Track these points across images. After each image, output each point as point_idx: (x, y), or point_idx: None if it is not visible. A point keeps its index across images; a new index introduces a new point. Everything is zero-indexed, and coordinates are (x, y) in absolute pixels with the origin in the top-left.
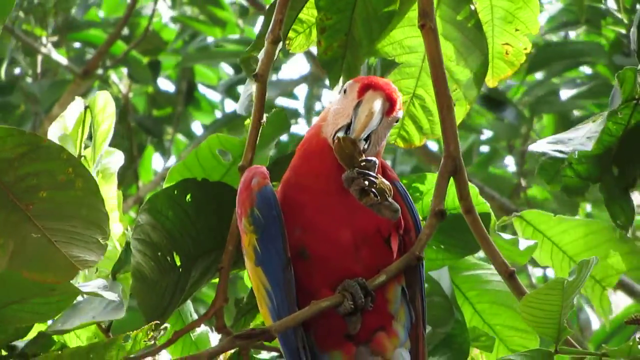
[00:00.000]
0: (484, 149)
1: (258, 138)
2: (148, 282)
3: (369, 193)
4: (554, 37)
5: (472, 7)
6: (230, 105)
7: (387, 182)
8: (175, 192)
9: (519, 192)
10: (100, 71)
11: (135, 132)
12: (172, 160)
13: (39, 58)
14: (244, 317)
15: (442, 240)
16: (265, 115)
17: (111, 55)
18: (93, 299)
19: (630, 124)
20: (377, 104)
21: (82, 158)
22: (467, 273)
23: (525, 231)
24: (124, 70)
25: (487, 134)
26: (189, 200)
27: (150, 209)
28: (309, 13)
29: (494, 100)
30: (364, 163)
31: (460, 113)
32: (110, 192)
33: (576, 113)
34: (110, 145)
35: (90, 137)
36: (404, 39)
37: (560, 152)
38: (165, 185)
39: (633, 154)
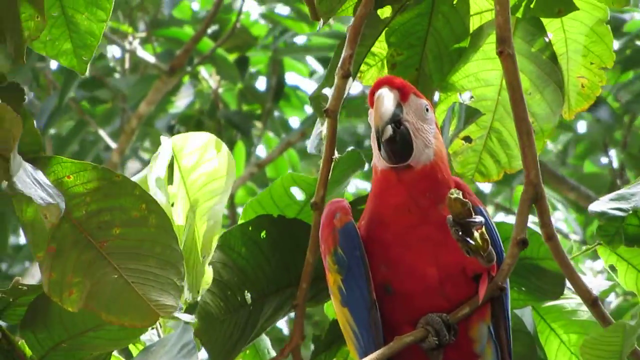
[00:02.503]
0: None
1: (330, 175)
2: (213, 322)
3: (465, 248)
4: None
5: (547, 39)
6: None
7: (486, 236)
8: (250, 229)
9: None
10: (188, 68)
11: (225, 128)
12: (262, 153)
13: (127, 54)
14: (323, 353)
15: (522, 282)
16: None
17: (199, 52)
18: (166, 341)
19: None
20: (382, 93)
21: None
22: (552, 303)
23: (609, 259)
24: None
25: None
26: (264, 236)
27: (223, 246)
28: (380, 47)
29: None
30: (470, 222)
31: (537, 146)
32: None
33: None
34: None
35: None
36: (479, 72)
37: (621, 210)
38: (240, 221)
39: None
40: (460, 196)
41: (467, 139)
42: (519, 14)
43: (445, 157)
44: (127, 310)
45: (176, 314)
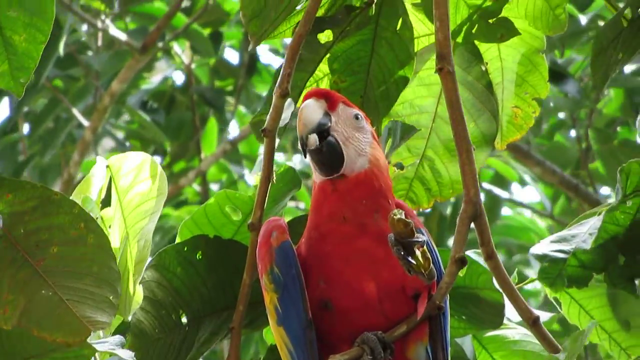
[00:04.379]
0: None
1: (267, 195)
2: (147, 340)
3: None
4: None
5: (484, 68)
6: None
7: (427, 255)
8: (185, 249)
9: (582, 165)
10: (160, 44)
11: (198, 104)
12: (235, 131)
13: (100, 32)
14: None
15: (462, 311)
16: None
17: (173, 27)
18: None
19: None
20: (306, 104)
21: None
22: (493, 333)
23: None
24: (187, 42)
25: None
26: (200, 257)
27: (158, 266)
28: (320, 68)
29: (555, 73)
30: (412, 242)
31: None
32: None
33: None
34: (173, 116)
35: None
36: (415, 99)
37: (562, 251)
38: (176, 241)
39: None
40: (403, 216)
41: (399, 166)
42: (459, 39)
43: (383, 167)
44: (59, 326)
45: (116, 350)
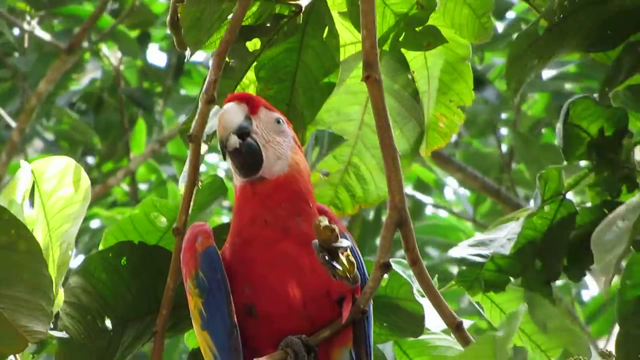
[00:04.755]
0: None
1: (192, 202)
2: (74, 346)
3: (332, 272)
4: None
5: (410, 76)
6: None
7: (352, 259)
8: (110, 255)
9: (505, 169)
10: (86, 45)
11: (126, 105)
12: (164, 132)
13: (26, 34)
14: None
15: (383, 319)
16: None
17: (100, 29)
18: None
19: (556, 218)
20: (227, 108)
21: None
22: (414, 339)
23: (475, 296)
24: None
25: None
26: (124, 263)
27: (83, 272)
28: (247, 76)
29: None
30: (337, 247)
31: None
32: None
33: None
34: (101, 117)
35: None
36: (341, 106)
37: (480, 256)
38: (100, 247)
39: (558, 248)
40: (327, 222)
41: (325, 173)
42: (386, 47)
43: (304, 171)
44: None
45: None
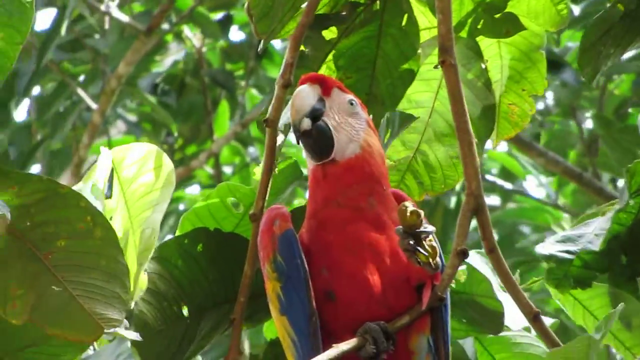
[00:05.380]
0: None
1: (269, 186)
2: (150, 331)
3: (415, 258)
4: None
5: (483, 66)
6: None
7: (435, 245)
8: (186, 241)
9: (587, 153)
10: (167, 27)
11: (209, 87)
12: (247, 114)
13: (106, 16)
14: None
15: (462, 314)
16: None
17: (180, 11)
18: (101, 352)
19: None
20: (300, 90)
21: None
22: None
23: (557, 293)
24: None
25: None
26: (201, 249)
27: (159, 258)
28: (328, 65)
29: (553, 63)
30: (421, 232)
31: None
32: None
33: None
34: (184, 100)
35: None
36: (412, 94)
37: (569, 252)
38: (176, 233)
39: None
40: (413, 207)
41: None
42: (463, 33)
43: (376, 153)
44: (71, 324)
45: (120, 331)
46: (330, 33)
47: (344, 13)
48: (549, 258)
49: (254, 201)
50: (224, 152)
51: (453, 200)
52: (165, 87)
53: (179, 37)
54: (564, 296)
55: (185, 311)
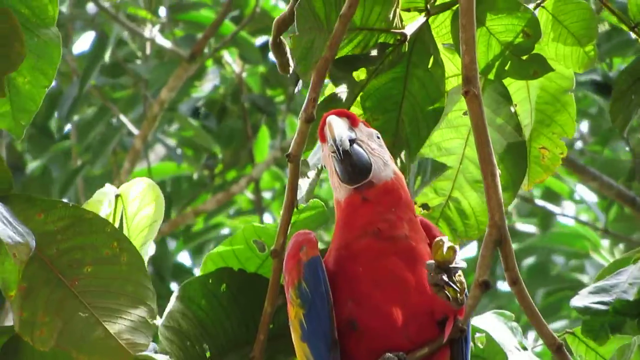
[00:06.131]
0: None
1: (291, 222)
2: None
3: (445, 293)
4: None
5: (512, 110)
6: None
7: (463, 281)
8: (210, 281)
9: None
10: (207, 52)
11: (250, 112)
12: (287, 139)
13: (148, 41)
14: None
15: None
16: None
17: (221, 36)
18: None
19: None
20: (332, 119)
21: None
22: None
23: (579, 348)
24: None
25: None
26: (224, 290)
27: (183, 297)
28: (353, 109)
29: (601, 85)
30: (454, 268)
31: None
32: None
33: None
34: (225, 125)
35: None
36: (442, 142)
37: (603, 303)
38: (200, 273)
39: None
40: (449, 243)
41: (425, 207)
42: (491, 76)
43: (404, 183)
44: (98, 348)
45: (153, 355)
46: (360, 74)
47: (373, 54)
48: (585, 311)
49: None
50: (264, 178)
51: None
52: (206, 112)
53: (218, 62)
54: (586, 351)
55: (206, 351)
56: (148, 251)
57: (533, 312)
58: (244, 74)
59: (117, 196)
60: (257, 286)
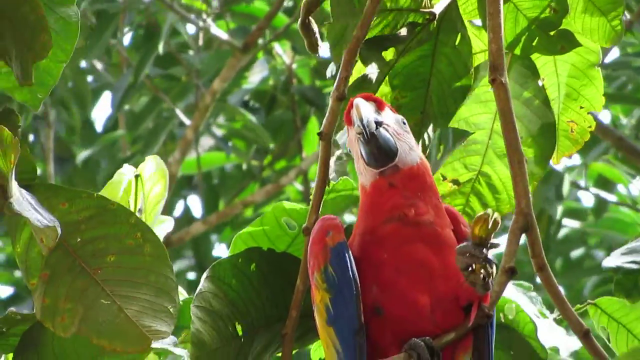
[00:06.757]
0: None
1: (322, 201)
2: (207, 350)
3: (476, 273)
4: None
5: (540, 83)
6: None
7: (494, 263)
8: (240, 261)
9: None
10: (260, 42)
11: (299, 103)
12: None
13: (201, 32)
14: None
15: (510, 346)
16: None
17: (273, 27)
18: None
19: None
20: (359, 102)
21: None
22: None
23: (601, 320)
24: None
25: None
26: (254, 269)
27: (213, 277)
28: (381, 87)
29: None
30: (492, 245)
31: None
32: None
33: None
34: (274, 116)
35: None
36: (470, 116)
37: (636, 262)
38: (229, 253)
39: None
40: (496, 215)
41: (456, 182)
42: (517, 51)
43: (429, 169)
44: (119, 334)
45: (171, 348)
46: (388, 54)
47: (403, 33)
48: (617, 270)
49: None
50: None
51: (560, 210)
52: (255, 103)
53: (269, 53)
54: (609, 321)
55: (239, 329)
56: (164, 227)
57: (560, 298)
58: (294, 65)
59: (136, 176)
60: (286, 265)
